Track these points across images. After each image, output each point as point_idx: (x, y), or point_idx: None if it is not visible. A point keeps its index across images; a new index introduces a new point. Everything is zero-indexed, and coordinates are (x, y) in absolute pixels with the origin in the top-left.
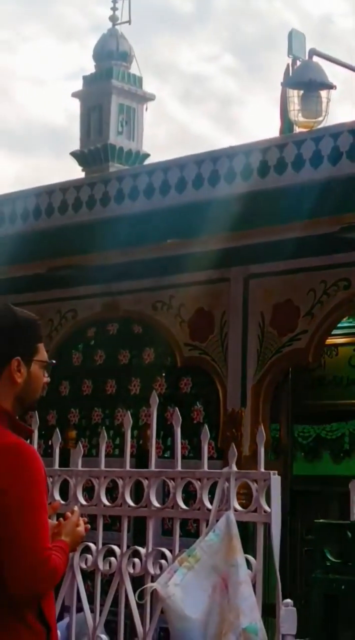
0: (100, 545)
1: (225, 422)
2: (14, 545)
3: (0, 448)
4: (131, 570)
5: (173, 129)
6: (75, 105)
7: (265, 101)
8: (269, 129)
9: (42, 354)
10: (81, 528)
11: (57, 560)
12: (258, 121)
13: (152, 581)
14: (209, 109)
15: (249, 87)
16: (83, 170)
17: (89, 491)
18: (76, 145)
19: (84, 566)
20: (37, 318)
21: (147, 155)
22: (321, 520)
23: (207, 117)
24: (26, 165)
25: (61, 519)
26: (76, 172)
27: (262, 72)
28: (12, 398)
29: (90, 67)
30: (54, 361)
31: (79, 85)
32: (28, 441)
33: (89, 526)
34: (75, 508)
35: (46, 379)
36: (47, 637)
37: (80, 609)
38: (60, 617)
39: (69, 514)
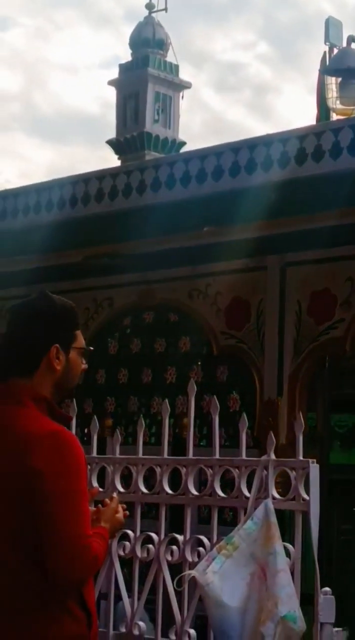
0: (138, 533)
1: (261, 411)
2: (55, 532)
3: (41, 435)
4: (169, 558)
5: (209, 117)
6: (110, 93)
7: (300, 89)
8: (304, 116)
9: (80, 341)
10: (120, 515)
11: (98, 547)
12: (294, 109)
13: (190, 569)
14: (245, 97)
15: (285, 75)
16: (119, 158)
17: (125, 479)
18: (111, 134)
19: (122, 553)
20: (74, 305)
21: (183, 143)
22: None
23: (243, 105)
24: (61, 154)
25: (100, 505)
26: (112, 161)
27: (298, 60)
28: (50, 385)
29: (125, 56)
30: (91, 348)
31: (113, 74)
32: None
33: (127, 513)
34: (114, 494)
35: (84, 366)
36: (88, 623)
37: (117, 597)
38: (98, 605)
39: (108, 500)
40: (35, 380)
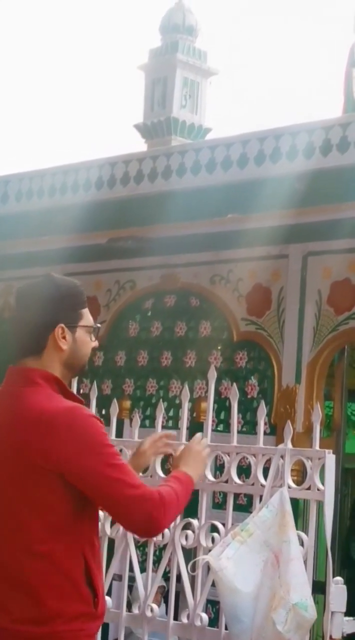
0: None
1: (279, 398)
2: (107, 501)
3: (56, 413)
4: (184, 542)
5: (235, 104)
6: (138, 77)
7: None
8: (331, 107)
9: (87, 319)
10: (205, 452)
11: (164, 488)
12: (320, 99)
13: (204, 554)
14: (272, 86)
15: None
16: (145, 142)
17: None
18: (139, 118)
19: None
20: (80, 284)
21: (209, 130)
22: None
23: (270, 94)
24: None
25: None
26: (139, 145)
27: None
28: (59, 364)
29: (154, 41)
30: (99, 325)
31: (142, 59)
32: None
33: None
34: (198, 435)
35: (94, 343)
36: (94, 602)
37: (131, 579)
38: (110, 586)
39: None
40: (44, 360)
